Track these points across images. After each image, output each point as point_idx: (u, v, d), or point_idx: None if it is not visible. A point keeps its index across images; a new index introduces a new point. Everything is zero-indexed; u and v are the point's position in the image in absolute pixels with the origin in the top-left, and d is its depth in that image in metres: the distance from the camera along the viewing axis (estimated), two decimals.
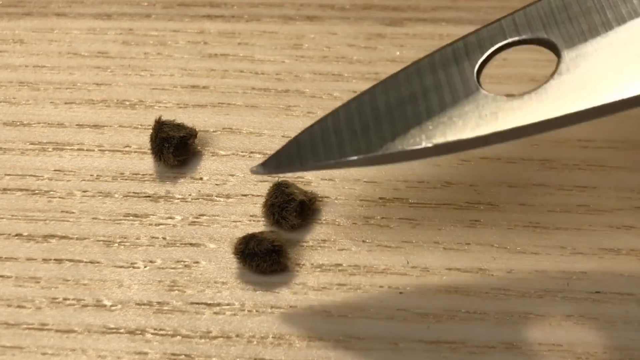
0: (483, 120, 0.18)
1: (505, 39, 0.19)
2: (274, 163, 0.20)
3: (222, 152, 0.25)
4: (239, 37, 0.28)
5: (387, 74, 0.26)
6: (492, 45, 0.19)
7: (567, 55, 0.19)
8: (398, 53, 0.27)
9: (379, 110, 0.19)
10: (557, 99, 0.18)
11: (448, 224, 0.23)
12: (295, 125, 0.25)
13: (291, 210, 0.22)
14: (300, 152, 0.19)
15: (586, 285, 0.22)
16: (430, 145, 0.18)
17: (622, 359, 0.20)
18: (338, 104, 0.26)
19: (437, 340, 0.21)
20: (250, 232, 0.22)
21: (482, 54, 0.19)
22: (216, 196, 0.24)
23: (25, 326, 0.21)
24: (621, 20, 0.19)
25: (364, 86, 0.26)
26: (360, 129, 0.19)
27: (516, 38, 0.19)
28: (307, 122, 0.25)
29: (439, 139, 0.18)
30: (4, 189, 0.24)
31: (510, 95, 0.18)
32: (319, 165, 0.19)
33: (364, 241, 0.23)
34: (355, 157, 0.19)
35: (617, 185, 0.24)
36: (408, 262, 0.22)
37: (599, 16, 0.19)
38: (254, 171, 0.20)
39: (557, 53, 0.19)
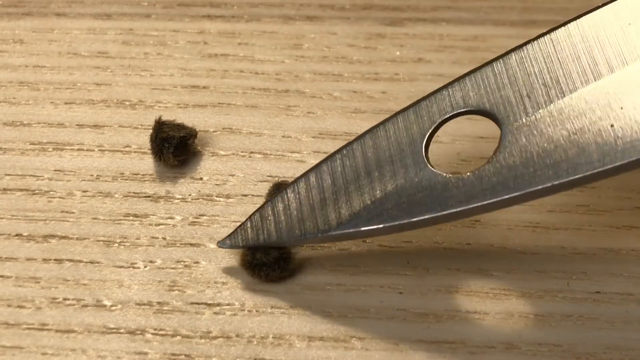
0: (432, 203, 0.19)
1: (453, 110, 0.20)
2: (240, 237, 0.21)
3: (222, 152, 0.25)
4: (239, 37, 0.28)
5: (387, 74, 0.27)
6: (440, 117, 0.20)
7: (509, 129, 0.19)
8: (398, 53, 0.27)
9: (335, 184, 0.20)
10: (499, 182, 0.19)
11: (448, 224, 0.23)
12: (295, 125, 0.25)
13: None
14: (264, 227, 0.21)
15: (586, 285, 0.22)
16: (381, 226, 0.20)
17: (622, 359, 0.20)
18: (338, 104, 0.26)
19: (437, 340, 0.21)
20: None
21: (430, 126, 0.20)
22: (216, 196, 0.24)
23: (25, 326, 0.21)
24: (561, 95, 0.19)
25: (364, 86, 0.26)
26: (319, 204, 0.20)
27: (463, 109, 0.20)
28: (307, 122, 0.25)
29: (392, 221, 0.20)
30: (4, 189, 0.24)
31: (455, 174, 0.19)
32: (282, 243, 0.21)
33: (364, 241, 0.23)
34: (313, 236, 0.20)
35: (617, 185, 0.24)
36: (408, 262, 0.22)
37: (540, 90, 0.19)
38: (221, 245, 0.22)
39: (500, 127, 0.19)
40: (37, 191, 0.24)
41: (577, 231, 0.23)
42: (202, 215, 0.23)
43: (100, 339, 0.21)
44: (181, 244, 0.23)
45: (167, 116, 0.24)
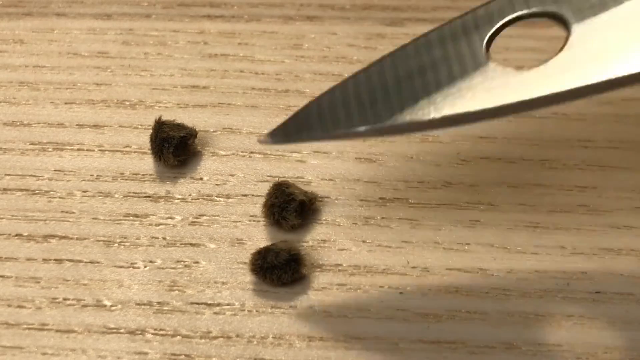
0: (492, 93, 0.18)
1: (515, 11, 0.19)
2: (282, 133, 0.19)
3: (222, 152, 0.25)
4: (239, 37, 0.28)
5: None
6: (501, 18, 0.19)
7: (577, 29, 0.18)
8: None
9: (387, 83, 0.19)
10: (567, 72, 0.18)
11: (448, 224, 0.23)
12: None
13: (291, 210, 0.22)
14: (307, 122, 0.19)
15: (586, 285, 0.22)
16: (438, 116, 0.18)
17: (622, 359, 0.20)
18: None
19: (437, 340, 0.21)
20: (262, 247, 0.22)
21: (492, 26, 0.19)
22: (216, 196, 0.24)
23: (25, 326, 0.21)
24: None
25: None
26: (369, 100, 0.19)
27: (525, 11, 0.19)
28: None
29: (447, 111, 0.18)
30: (4, 189, 0.24)
31: (519, 68, 0.18)
32: (326, 136, 0.19)
33: (364, 241, 0.23)
34: (362, 128, 0.19)
35: (617, 185, 0.24)
36: (408, 262, 0.22)
37: None
38: (262, 141, 0.19)
39: (567, 27, 0.18)
40: (37, 191, 0.24)
41: (577, 231, 0.23)
42: (202, 215, 0.23)
43: (100, 339, 0.21)
44: (181, 244, 0.23)
45: (167, 116, 0.24)
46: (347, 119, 0.19)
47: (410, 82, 0.19)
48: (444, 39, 0.19)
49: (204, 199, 0.24)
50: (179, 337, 0.21)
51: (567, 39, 0.18)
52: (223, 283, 0.22)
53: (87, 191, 0.24)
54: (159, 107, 0.26)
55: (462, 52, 0.19)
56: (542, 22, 0.19)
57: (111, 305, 0.22)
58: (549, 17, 0.19)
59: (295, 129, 0.19)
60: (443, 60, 0.19)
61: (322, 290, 0.22)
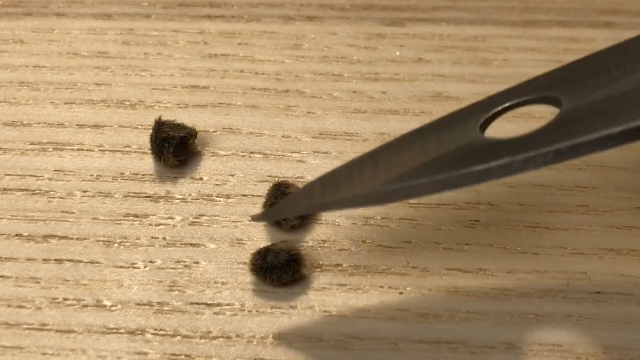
0: (482, 155, 0.18)
1: (512, 100, 0.19)
2: (273, 211, 0.21)
3: (222, 152, 0.25)
4: (239, 37, 0.28)
5: (387, 74, 0.27)
6: (498, 106, 0.19)
7: (569, 103, 0.19)
8: (398, 53, 0.27)
9: (377, 159, 0.19)
10: (559, 135, 0.18)
11: (448, 224, 0.23)
12: (295, 125, 0.25)
13: None
14: (296, 198, 0.20)
15: (586, 285, 0.22)
16: (426, 181, 0.18)
17: (622, 359, 0.20)
18: (338, 104, 0.26)
19: (437, 340, 0.21)
20: (262, 247, 0.22)
21: (488, 113, 0.19)
22: (216, 196, 0.24)
23: (25, 326, 0.21)
24: (626, 74, 0.19)
25: (364, 86, 0.26)
26: (358, 173, 0.19)
27: (523, 99, 0.19)
28: (307, 122, 0.25)
29: (436, 176, 0.18)
30: (4, 189, 0.24)
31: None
32: (314, 205, 0.20)
33: (364, 241, 0.23)
34: (349, 195, 0.19)
35: (617, 185, 0.24)
36: (408, 262, 0.22)
37: (604, 74, 0.19)
38: (255, 218, 0.21)
39: (559, 105, 0.19)
40: (37, 191, 0.24)
41: (577, 231, 0.23)
42: (202, 215, 0.23)
43: (100, 339, 0.21)
44: (181, 244, 0.23)
45: (167, 116, 0.24)
46: (334, 189, 0.19)
47: (399, 156, 0.19)
48: (438, 127, 0.19)
49: (204, 199, 0.24)
50: (179, 337, 0.21)
51: (559, 113, 0.18)
52: (223, 283, 0.22)
53: (87, 191, 0.24)
54: (159, 107, 0.26)
55: (456, 133, 0.19)
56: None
57: (111, 305, 0.22)
58: (543, 101, 0.19)
59: (285, 206, 0.21)
60: (435, 141, 0.19)
61: (322, 290, 0.22)
